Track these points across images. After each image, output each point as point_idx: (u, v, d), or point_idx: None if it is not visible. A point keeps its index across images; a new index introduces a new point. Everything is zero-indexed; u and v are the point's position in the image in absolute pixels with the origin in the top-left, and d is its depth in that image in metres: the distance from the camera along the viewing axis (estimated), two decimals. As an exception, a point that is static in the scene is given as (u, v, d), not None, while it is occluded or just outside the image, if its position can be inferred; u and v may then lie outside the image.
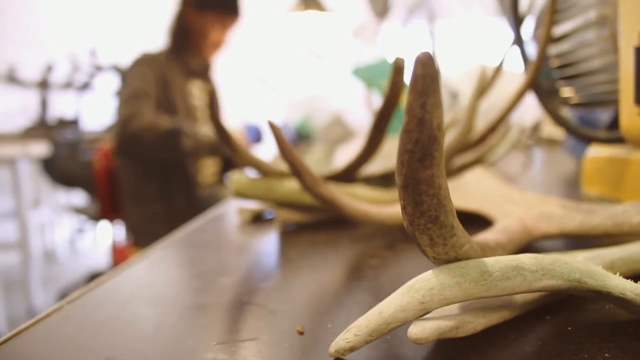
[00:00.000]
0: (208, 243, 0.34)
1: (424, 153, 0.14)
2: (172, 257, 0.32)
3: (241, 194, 0.36)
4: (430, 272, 0.19)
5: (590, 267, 0.20)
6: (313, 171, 0.27)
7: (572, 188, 0.49)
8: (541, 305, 0.22)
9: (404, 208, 0.16)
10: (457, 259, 0.19)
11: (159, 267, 0.29)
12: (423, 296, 0.18)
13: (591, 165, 0.42)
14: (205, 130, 1.51)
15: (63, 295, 2.39)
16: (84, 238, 3.67)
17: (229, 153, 0.34)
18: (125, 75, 1.57)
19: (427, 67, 0.13)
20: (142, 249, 1.61)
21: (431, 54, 0.14)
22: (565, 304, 0.22)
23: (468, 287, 0.19)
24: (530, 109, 0.89)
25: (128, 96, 1.47)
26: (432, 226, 0.17)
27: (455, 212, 0.17)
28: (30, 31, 3.33)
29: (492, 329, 0.20)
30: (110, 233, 2.44)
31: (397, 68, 0.27)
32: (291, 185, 0.35)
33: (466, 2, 2.15)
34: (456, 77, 1.19)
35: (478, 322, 0.20)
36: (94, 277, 2.53)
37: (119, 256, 1.73)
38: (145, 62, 1.56)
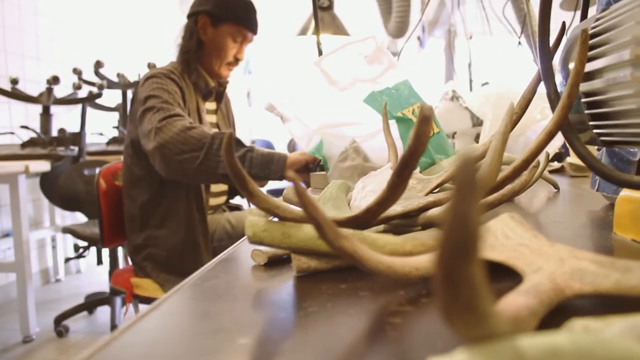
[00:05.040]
0: (221, 291, 0.33)
1: (465, 251, 0.14)
2: (185, 309, 0.30)
3: (257, 239, 0.34)
4: (461, 352, 0.17)
5: (635, 348, 0.19)
6: (334, 225, 0.26)
7: (601, 230, 0.47)
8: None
9: (439, 298, 0.15)
10: (491, 337, 0.18)
11: (171, 322, 0.28)
12: (453, 380, 0.17)
13: (623, 207, 0.40)
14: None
15: (60, 320, 2.35)
16: (84, 260, 3.58)
17: (245, 197, 0.33)
18: (142, 90, 1.45)
19: (468, 173, 0.13)
20: (142, 276, 1.57)
21: (470, 159, 0.13)
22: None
23: (500, 372, 0.17)
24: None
25: (159, 104, 1.35)
26: (467, 313, 0.16)
27: (491, 295, 0.16)
28: (33, 45, 3.35)
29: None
30: (110, 256, 2.40)
31: (424, 118, 0.26)
32: (309, 231, 0.34)
33: (486, 22, 2.15)
34: (479, 100, 1.16)
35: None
36: (92, 301, 2.49)
37: (118, 280, 1.67)
38: (165, 75, 1.45)
